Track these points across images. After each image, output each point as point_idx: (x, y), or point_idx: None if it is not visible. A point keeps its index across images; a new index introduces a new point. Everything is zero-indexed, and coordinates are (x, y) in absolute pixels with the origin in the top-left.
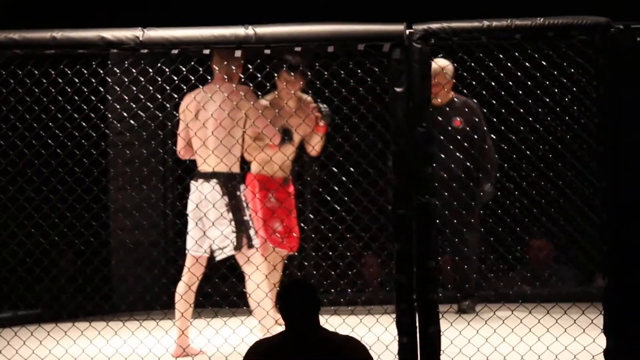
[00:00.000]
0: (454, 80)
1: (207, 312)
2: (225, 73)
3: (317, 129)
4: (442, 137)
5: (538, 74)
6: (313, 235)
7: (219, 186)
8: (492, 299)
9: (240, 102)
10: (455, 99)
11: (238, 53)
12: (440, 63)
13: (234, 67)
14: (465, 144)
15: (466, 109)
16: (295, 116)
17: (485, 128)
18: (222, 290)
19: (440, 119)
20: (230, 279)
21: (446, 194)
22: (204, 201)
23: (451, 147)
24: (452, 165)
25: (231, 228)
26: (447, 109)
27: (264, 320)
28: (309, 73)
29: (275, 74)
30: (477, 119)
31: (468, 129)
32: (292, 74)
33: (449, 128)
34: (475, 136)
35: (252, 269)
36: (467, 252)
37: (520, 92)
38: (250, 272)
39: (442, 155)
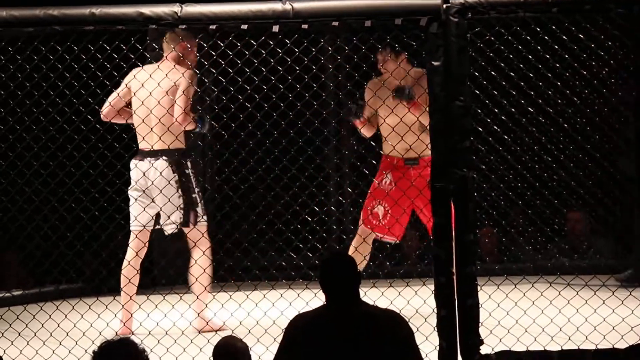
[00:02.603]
0: None
1: (232, 285)
2: (174, 52)
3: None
4: None
5: (575, 47)
6: (351, 209)
7: (168, 163)
8: (530, 272)
9: (179, 79)
10: None
11: (276, 28)
12: None
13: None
14: None
15: None
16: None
17: None
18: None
19: None
20: (253, 253)
21: None
22: (155, 177)
23: None
24: None
25: (180, 204)
26: None
27: (201, 296)
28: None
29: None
30: None
31: None
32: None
33: None
34: None
35: (198, 246)
36: None
37: (558, 65)
38: (196, 249)
39: None
